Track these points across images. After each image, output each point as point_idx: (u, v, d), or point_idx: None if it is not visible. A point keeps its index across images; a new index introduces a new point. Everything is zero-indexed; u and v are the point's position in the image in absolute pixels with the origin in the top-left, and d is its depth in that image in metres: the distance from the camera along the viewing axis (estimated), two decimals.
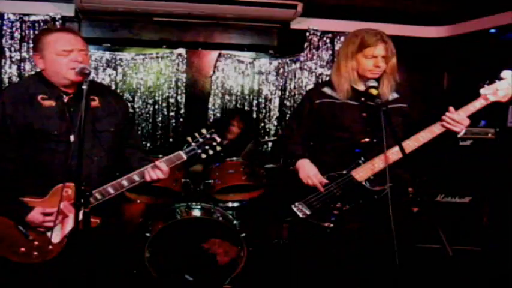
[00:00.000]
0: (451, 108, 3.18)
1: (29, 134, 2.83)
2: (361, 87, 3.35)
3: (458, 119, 3.12)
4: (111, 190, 2.91)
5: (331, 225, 3.32)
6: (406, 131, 3.38)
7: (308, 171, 3.34)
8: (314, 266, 3.50)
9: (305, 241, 3.55)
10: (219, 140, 3.03)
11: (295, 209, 3.39)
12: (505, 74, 3.16)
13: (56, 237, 2.83)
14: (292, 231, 4.92)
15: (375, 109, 3.26)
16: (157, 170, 2.96)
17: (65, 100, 2.92)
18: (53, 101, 2.89)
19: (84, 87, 2.63)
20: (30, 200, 2.83)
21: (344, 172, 3.30)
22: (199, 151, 3.00)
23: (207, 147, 3.00)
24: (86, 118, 2.71)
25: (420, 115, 3.47)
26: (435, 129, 3.19)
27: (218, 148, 3.03)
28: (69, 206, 2.78)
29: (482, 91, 3.16)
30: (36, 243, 2.83)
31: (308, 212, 3.36)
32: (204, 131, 3.03)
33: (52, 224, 2.78)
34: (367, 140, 3.29)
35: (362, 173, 3.26)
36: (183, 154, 2.99)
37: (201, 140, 3.00)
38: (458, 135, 3.20)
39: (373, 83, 3.23)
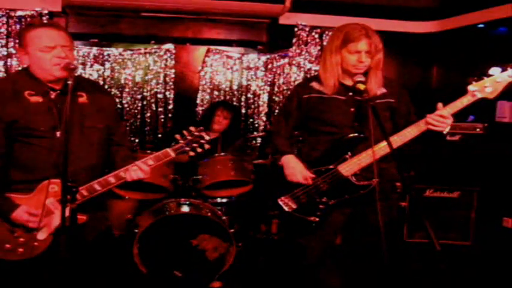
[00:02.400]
0: (440, 105, 3.18)
1: (15, 130, 2.81)
2: (348, 82, 3.35)
3: (445, 115, 3.13)
4: (97, 187, 2.89)
5: (317, 219, 3.33)
6: (393, 126, 3.39)
7: (293, 167, 3.35)
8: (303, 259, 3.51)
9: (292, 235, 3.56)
10: (207, 137, 3.03)
11: (281, 203, 3.41)
12: (492, 70, 3.17)
13: (42, 234, 2.81)
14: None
15: (362, 104, 3.27)
16: (138, 171, 2.95)
17: (52, 96, 2.89)
18: (39, 97, 2.86)
19: (69, 82, 2.61)
20: (16, 197, 2.81)
21: (331, 167, 3.30)
22: (187, 149, 2.99)
23: (195, 144, 2.99)
24: (74, 114, 2.70)
25: (408, 110, 3.47)
26: (422, 125, 3.20)
27: (206, 146, 3.03)
28: (56, 203, 2.76)
29: (469, 88, 3.16)
30: (21, 239, 2.81)
31: (294, 206, 3.37)
32: (192, 128, 3.02)
33: (36, 225, 2.76)
34: (354, 134, 3.29)
35: (349, 167, 3.27)
36: (170, 152, 2.98)
37: (189, 137, 2.99)
38: (444, 132, 3.21)
39: (361, 78, 3.22)
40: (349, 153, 3.28)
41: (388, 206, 3.21)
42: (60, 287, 2.66)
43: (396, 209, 3.01)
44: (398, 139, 3.19)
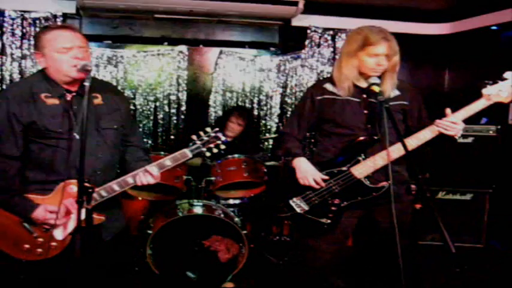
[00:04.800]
0: (448, 110, 3.18)
1: (33, 132, 2.84)
2: (363, 84, 3.34)
3: (456, 121, 3.13)
4: (116, 187, 2.92)
5: (329, 221, 3.33)
6: (405, 129, 3.39)
7: (305, 171, 3.35)
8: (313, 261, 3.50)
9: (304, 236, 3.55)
10: (223, 138, 3.04)
11: (293, 204, 3.42)
12: (508, 74, 3.16)
13: (59, 234, 2.84)
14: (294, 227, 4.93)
15: (376, 106, 3.27)
16: (148, 175, 2.97)
17: (68, 98, 2.92)
18: (56, 99, 2.89)
19: (86, 83, 2.64)
20: (35, 197, 2.84)
21: (344, 169, 3.30)
22: (204, 149, 3.00)
23: (211, 145, 3.01)
24: (90, 116, 2.72)
25: (420, 113, 3.46)
26: (436, 128, 3.19)
27: (222, 146, 3.03)
28: (74, 203, 2.78)
29: (484, 91, 3.15)
30: (40, 240, 2.84)
31: (306, 208, 3.38)
32: (208, 129, 3.03)
33: (55, 222, 2.79)
34: (367, 136, 3.28)
35: (361, 170, 3.27)
36: (188, 152, 3.00)
37: (205, 138, 3.01)
38: (456, 137, 3.20)
39: (376, 80, 3.22)
40: (362, 155, 3.28)
41: (401, 208, 3.21)
42: (74, 287, 2.68)
43: (410, 212, 2.99)
44: (413, 142, 3.19)
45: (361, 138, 3.29)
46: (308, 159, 3.46)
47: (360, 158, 3.29)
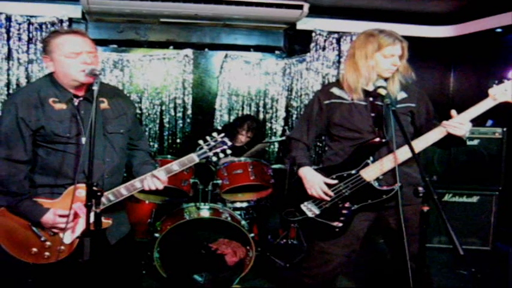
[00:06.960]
0: (453, 112, 3.17)
1: (41, 136, 2.85)
2: (369, 87, 3.33)
3: (462, 122, 3.13)
4: (124, 191, 2.93)
5: (340, 224, 3.32)
6: (414, 130, 3.39)
7: (312, 182, 3.35)
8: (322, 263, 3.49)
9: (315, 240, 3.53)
10: (229, 143, 3.05)
11: (304, 208, 3.41)
12: None
13: (67, 237, 2.85)
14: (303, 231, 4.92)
15: (383, 109, 3.27)
16: (156, 180, 2.98)
17: (76, 103, 2.93)
18: (64, 104, 2.89)
19: (94, 88, 2.65)
20: (44, 201, 2.85)
21: (353, 172, 3.29)
22: (211, 154, 3.01)
23: (217, 150, 3.02)
24: (97, 120, 2.73)
25: (428, 114, 3.46)
26: (443, 129, 3.19)
27: (228, 151, 3.05)
28: (83, 207, 2.79)
29: (491, 91, 3.14)
30: (48, 243, 2.85)
31: (317, 212, 3.37)
32: (215, 134, 3.04)
33: (65, 226, 2.80)
34: (376, 140, 3.27)
35: (371, 172, 3.25)
36: (195, 157, 3.01)
37: (212, 143, 3.02)
38: (463, 138, 3.20)
39: (382, 83, 3.21)
40: (371, 158, 3.27)
41: (413, 211, 3.20)
42: None
43: (419, 214, 2.98)
44: (421, 143, 3.19)
45: (376, 140, 3.26)
46: (313, 163, 3.44)
47: (369, 161, 3.28)
